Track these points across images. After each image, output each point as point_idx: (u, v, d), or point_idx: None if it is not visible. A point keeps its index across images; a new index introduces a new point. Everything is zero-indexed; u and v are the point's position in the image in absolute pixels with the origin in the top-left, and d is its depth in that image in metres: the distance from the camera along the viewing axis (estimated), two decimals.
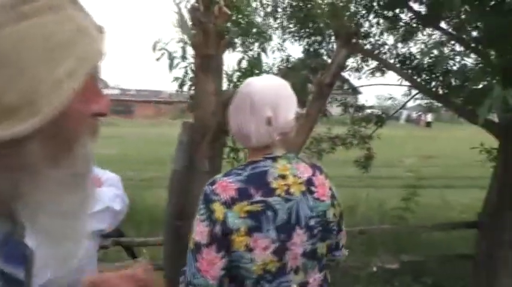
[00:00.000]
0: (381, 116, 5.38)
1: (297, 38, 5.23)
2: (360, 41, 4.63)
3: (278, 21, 5.43)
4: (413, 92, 5.16)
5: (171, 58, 3.13)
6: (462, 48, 3.91)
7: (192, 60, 3.20)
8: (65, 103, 0.55)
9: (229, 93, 3.00)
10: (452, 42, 4.09)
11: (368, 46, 5.10)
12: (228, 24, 2.96)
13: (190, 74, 3.34)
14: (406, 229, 4.42)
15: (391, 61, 4.85)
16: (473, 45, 3.52)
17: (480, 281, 3.58)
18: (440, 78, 3.80)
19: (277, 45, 5.28)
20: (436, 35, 4.76)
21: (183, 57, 3.23)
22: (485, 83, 2.54)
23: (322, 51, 5.09)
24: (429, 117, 30.79)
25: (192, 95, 3.16)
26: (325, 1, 4.29)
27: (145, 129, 28.03)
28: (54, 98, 0.54)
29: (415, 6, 4.28)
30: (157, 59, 3.15)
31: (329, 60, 4.79)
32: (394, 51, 5.11)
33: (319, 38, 5.15)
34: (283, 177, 1.31)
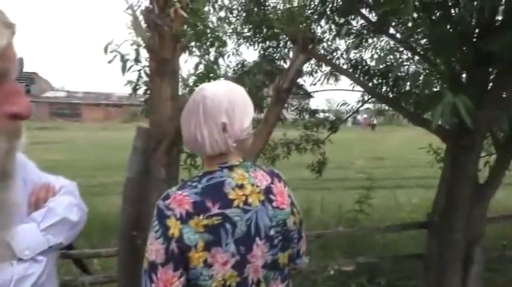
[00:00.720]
0: (334, 122, 5.50)
1: (252, 43, 5.24)
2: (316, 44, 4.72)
3: (232, 25, 5.42)
4: (366, 97, 5.32)
5: (124, 61, 3.01)
6: (411, 55, 4.08)
7: (146, 63, 3.11)
8: None
9: (186, 98, 2.94)
10: (402, 49, 4.26)
11: (322, 51, 5.20)
12: (185, 28, 2.89)
13: (144, 78, 3.24)
14: (360, 231, 4.53)
15: (344, 66, 4.97)
16: (421, 52, 3.68)
17: (430, 279, 3.73)
18: (392, 83, 3.94)
19: (232, 50, 5.27)
20: (387, 42, 4.94)
21: (137, 60, 3.13)
22: (435, 89, 2.64)
23: (278, 56, 5.12)
24: (374, 120, 32.24)
25: (146, 99, 3.05)
26: (280, 6, 4.33)
27: (95, 133, 27.01)
28: None
29: (367, 14, 4.42)
30: (109, 62, 3.01)
31: (285, 65, 4.86)
32: (347, 57, 5.24)
33: (274, 43, 5.19)
34: (240, 187, 1.27)
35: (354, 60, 4.91)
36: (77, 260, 3.61)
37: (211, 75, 3.16)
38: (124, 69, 3.00)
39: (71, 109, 41.12)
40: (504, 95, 3.36)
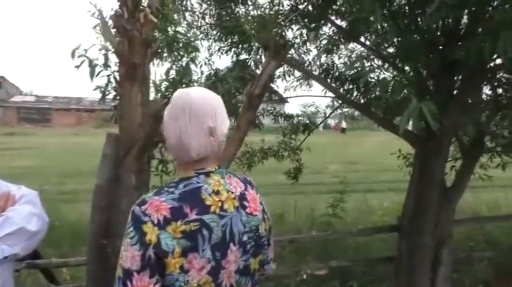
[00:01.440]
0: (308, 125, 5.55)
1: (224, 49, 5.23)
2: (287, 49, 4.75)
3: (204, 30, 5.40)
4: (337, 102, 5.39)
5: (92, 66, 2.95)
6: (381, 63, 4.18)
7: (115, 68, 3.05)
8: None
9: (158, 104, 2.89)
10: (372, 56, 4.35)
11: (295, 56, 5.25)
12: (155, 33, 2.86)
13: (114, 83, 3.18)
14: (333, 235, 4.58)
15: (316, 72, 5.03)
16: (390, 59, 3.77)
17: (400, 282, 3.81)
18: (362, 89, 4.02)
19: (204, 59, 5.26)
20: (357, 48, 5.04)
21: (106, 66, 3.07)
22: (403, 95, 2.70)
23: (251, 61, 5.14)
24: (343, 124, 32.96)
25: (116, 105, 2.99)
26: (252, 13, 4.35)
27: (65, 138, 26.34)
28: None
29: (337, 21, 4.50)
30: (77, 67, 2.95)
31: (257, 71, 4.87)
32: (318, 62, 5.31)
33: (246, 46, 5.20)
34: (216, 193, 1.27)
35: (325, 66, 4.98)
36: (45, 269, 3.49)
37: (183, 80, 3.13)
38: (92, 74, 2.94)
39: (40, 114, 39.99)
40: (469, 101, 3.48)
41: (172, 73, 3.10)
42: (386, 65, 3.97)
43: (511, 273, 4.42)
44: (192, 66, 3.43)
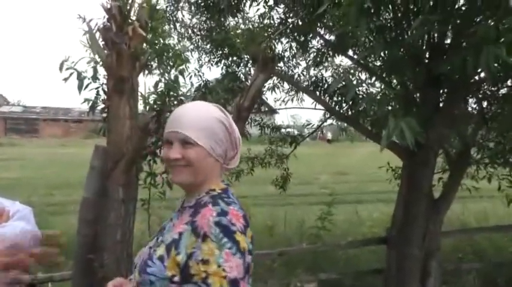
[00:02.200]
0: (296, 137, 5.59)
1: (213, 61, 5.27)
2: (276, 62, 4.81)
3: (193, 41, 5.44)
4: (327, 114, 5.44)
5: (81, 79, 2.94)
6: (368, 76, 4.23)
7: (104, 81, 3.05)
8: None
9: (146, 117, 2.89)
10: (360, 69, 4.41)
11: (284, 68, 5.30)
12: (144, 46, 2.87)
13: (103, 95, 3.17)
14: (322, 248, 4.58)
15: (305, 84, 5.07)
16: (378, 73, 3.82)
17: None
18: (350, 102, 4.06)
19: (194, 70, 5.28)
20: (345, 62, 5.11)
21: (94, 78, 3.06)
22: (388, 109, 2.74)
23: (240, 73, 5.17)
24: (329, 135, 33.10)
25: (104, 117, 2.98)
26: (242, 26, 4.40)
27: (53, 149, 26.05)
28: None
29: (326, 35, 4.56)
30: (65, 80, 2.94)
31: (247, 82, 4.90)
32: (307, 75, 5.37)
33: (236, 59, 5.24)
34: None
35: (314, 79, 5.03)
36: (30, 285, 3.43)
37: (172, 93, 3.13)
38: (81, 87, 2.92)
39: (28, 125, 39.56)
40: (454, 114, 3.53)
41: (161, 86, 3.10)
42: (373, 79, 4.03)
43: (499, 285, 4.45)
44: (181, 78, 3.43)
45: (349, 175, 15.81)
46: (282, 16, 4.65)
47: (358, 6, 2.05)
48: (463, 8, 3.04)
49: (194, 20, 5.20)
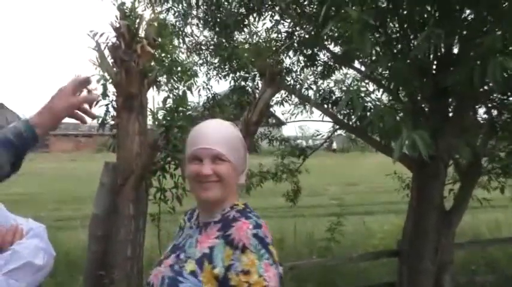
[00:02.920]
0: (304, 149, 5.58)
1: (221, 75, 5.31)
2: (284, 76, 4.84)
3: (202, 56, 5.50)
4: (336, 125, 5.42)
5: None
6: (375, 87, 4.23)
7: (113, 97, 3.09)
8: None
9: (156, 133, 2.92)
10: (367, 81, 4.40)
11: (291, 81, 5.32)
12: (152, 63, 2.91)
13: (112, 112, 3.21)
14: (332, 261, 4.53)
15: (313, 97, 5.08)
16: (385, 85, 3.82)
17: None
18: (358, 115, 4.04)
19: (202, 84, 5.34)
20: (352, 73, 5.11)
21: (104, 95, 3.11)
22: (396, 122, 2.73)
23: (248, 87, 5.21)
24: (334, 145, 32.91)
25: (114, 134, 3.02)
26: (249, 40, 4.44)
27: (63, 164, 26.28)
28: None
29: (332, 47, 4.58)
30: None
31: (255, 96, 4.93)
32: (315, 87, 5.38)
33: (243, 74, 5.28)
34: None
35: (322, 91, 5.03)
36: None
37: (180, 109, 3.16)
38: (91, 105, 2.97)
39: None
40: (464, 124, 3.50)
41: (170, 102, 3.13)
42: (381, 91, 4.02)
43: None
44: (190, 93, 3.47)
45: (359, 186, 15.69)
46: (289, 30, 4.69)
47: (362, 23, 2.06)
48: (470, 19, 3.05)
49: (202, 35, 5.26)
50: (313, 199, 11.90)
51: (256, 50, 3.86)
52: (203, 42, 5.32)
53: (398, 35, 3.39)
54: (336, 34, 4.25)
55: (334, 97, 4.76)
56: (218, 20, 4.61)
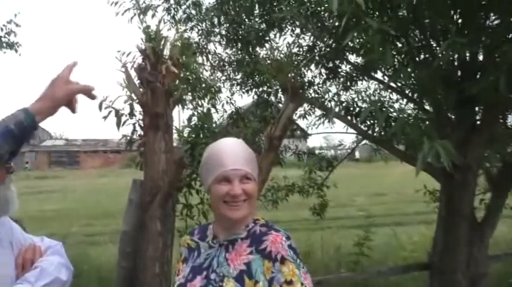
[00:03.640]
0: (331, 161, 5.55)
1: (244, 90, 5.39)
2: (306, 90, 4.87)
3: (225, 73, 5.59)
4: (360, 137, 5.38)
5: (119, 116, 3.08)
6: (399, 96, 4.19)
7: (140, 117, 3.18)
8: None
9: (181, 151, 2.99)
10: (389, 91, 4.38)
11: (313, 94, 5.33)
12: (177, 82, 2.99)
13: (139, 131, 3.30)
14: (362, 276, 4.45)
15: (336, 109, 5.07)
16: (408, 94, 3.78)
17: None
18: (383, 125, 4.01)
19: (226, 98, 5.42)
20: (374, 84, 5.08)
21: (131, 115, 3.20)
22: (421, 129, 2.69)
23: (271, 102, 5.25)
24: (357, 154, 32.31)
25: (141, 152, 3.10)
26: (270, 55, 4.49)
27: (93, 180, 26.93)
28: None
29: (353, 58, 4.58)
30: (104, 118, 3.09)
31: (279, 107, 4.96)
32: (337, 99, 5.36)
33: (266, 88, 5.34)
34: None
35: (345, 103, 5.02)
36: None
37: (206, 126, 3.22)
38: (119, 124, 3.07)
39: (70, 157, 41.25)
40: (493, 132, 3.42)
41: (195, 119, 3.19)
42: (405, 100, 3.98)
43: None
44: (213, 110, 3.54)
45: (387, 196, 15.38)
46: (310, 43, 4.72)
47: (382, 34, 2.06)
48: (494, 26, 2.99)
49: (225, 52, 5.36)
50: (340, 210, 11.73)
51: (277, 65, 3.91)
52: (226, 59, 5.42)
53: (420, 44, 3.36)
54: (357, 45, 4.25)
55: (357, 108, 4.74)
56: (240, 36, 4.70)
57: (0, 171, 1.35)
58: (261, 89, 5.23)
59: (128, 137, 3.26)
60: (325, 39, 4.17)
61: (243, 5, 4.38)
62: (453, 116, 3.61)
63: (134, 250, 2.94)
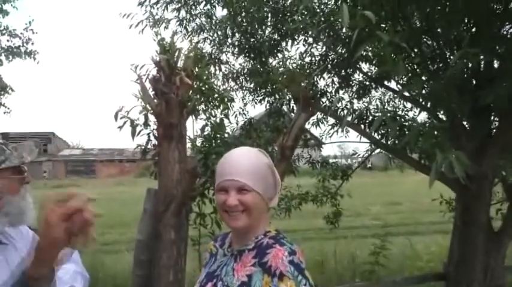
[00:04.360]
0: (346, 171, 5.54)
1: (257, 99, 5.42)
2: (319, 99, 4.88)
3: (238, 82, 5.64)
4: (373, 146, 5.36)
5: (134, 126, 3.14)
6: (412, 106, 4.17)
7: (154, 127, 3.23)
8: None
9: (195, 161, 3.03)
10: (401, 100, 4.36)
11: (326, 103, 5.33)
12: (190, 93, 3.04)
13: (154, 141, 3.35)
14: (377, 285, 4.40)
15: (349, 118, 5.06)
16: (422, 102, 3.76)
17: None
18: (397, 134, 3.98)
19: (239, 109, 5.46)
20: (387, 92, 5.07)
21: (146, 125, 3.26)
22: (435, 140, 2.68)
23: (284, 111, 5.28)
24: (370, 163, 31.85)
25: (155, 162, 3.15)
26: (283, 65, 4.52)
27: (109, 189, 27.20)
28: None
29: (366, 67, 4.59)
30: (120, 128, 3.16)
31: (291, 116, 4.97)
32: (350, 108, 5.36)
33: (279, 98, 5.37)
34: None
35: (358, 112, 5.01)
36: None
37: (218, 135, 3.26)
38: (133, 134, 3.13)
39: (86, 166, 41.81)
40: (509, 140, 3.37)
41: (208, 129, 3.24)
42: (418, 110, 3.96)
43: None
44: (226, 120, 3.58)
45: (402, 205, 15.18)
46: (322, 53, 4.74)
47: (393, 46, 2.07)
48: (508, 34, 2.97)
49: (238, 62, 5.42)
50: (355, 219, 11.64)
51: (289, 75, 3.94)
52: (239, 69, 5.47)
53: (434, 53, 3.36)
54: (370, 53, 4.26)
55: (370, 117, 4.73)
56: (252, 46, 4.74)
57: (14, 182, 1.38)
58: (273, 98, 5.26)
59: (143, 147, 3.31)
60: (338, 48, 4.19)
61: (255, 16, 4.43)
62: (468, 125, 3.58)
63: (149, 258, 2.97)
